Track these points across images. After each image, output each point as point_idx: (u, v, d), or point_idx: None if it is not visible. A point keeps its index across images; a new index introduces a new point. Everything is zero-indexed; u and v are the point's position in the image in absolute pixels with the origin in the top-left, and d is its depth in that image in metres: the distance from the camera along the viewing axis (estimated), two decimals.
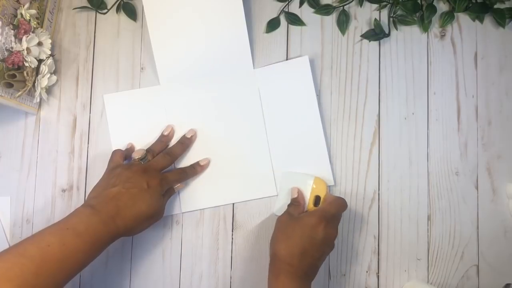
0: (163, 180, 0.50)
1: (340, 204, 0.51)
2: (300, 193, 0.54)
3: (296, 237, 0.48)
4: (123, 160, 0.53)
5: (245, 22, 0.55)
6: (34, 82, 0.54)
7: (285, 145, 0.57)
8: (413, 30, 0.60)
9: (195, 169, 0.55)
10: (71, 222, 0.43)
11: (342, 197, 0.52)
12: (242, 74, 0.58)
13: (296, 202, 0.54)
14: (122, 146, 0.57)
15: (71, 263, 0.42)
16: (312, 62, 0.59)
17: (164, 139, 0.56)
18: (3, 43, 0.49)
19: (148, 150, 0.53)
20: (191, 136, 0.56)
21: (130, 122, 0.57)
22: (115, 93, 0.58)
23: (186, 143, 0.56)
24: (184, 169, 0.54)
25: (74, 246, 0.42)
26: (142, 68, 0.59)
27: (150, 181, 0.48)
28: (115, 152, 0.53)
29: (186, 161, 0.57)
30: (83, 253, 0.43)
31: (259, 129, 0.57)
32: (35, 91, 0.54)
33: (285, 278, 0.46)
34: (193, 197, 0.56)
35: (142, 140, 0.57)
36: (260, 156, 0.56)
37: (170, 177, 0.51)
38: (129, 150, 0.55)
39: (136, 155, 0.51)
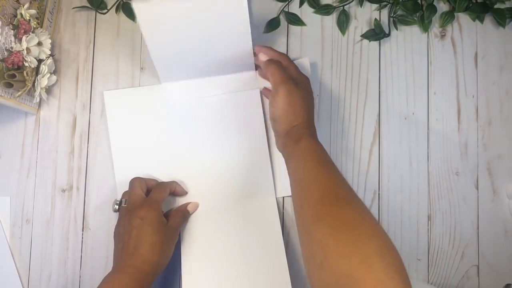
0: (150, 204, 0.49)
1: (286, 60, 0.52)
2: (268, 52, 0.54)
3: (304, 102, 0.49)
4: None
5: (249, 24, 0.53)
6: (34, 82, 0.54)
7: None
8: (413, 30, 0.60)
9: (174, 184, 0.54)
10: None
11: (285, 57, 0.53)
12: (243, 75, 0.58)
13: (275, 64, 0.51)
14: (121, 144, 0.56)
15: None
16: (312, 62, 0.59)
17: None
18: (3, 43, 0.49)
19: (123, 194, 0.52)
20: (183, 191, 0.55)
21: (130, 119, 0.57)
22: (116, 90, 0.58)
23: (173, 187, 0.54)
24: (161, 183, 0.53)
25: None
26: (142, 68, 0.59)
27: (140, 214, 0.47)
28: (112, 205, 0.53)
29: (185, 161, 0.56)
30: None
31: (259, 131, 0.57)
32: (35, 91, 0.54)
33: (307, 141, 0.46)
34: (192, 199, 0.56)
35: (140, 138, 0.57)
36: (260, 158, 0.56)
37: (154, 196, 0.50)
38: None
39: (113, 208, 0.51)
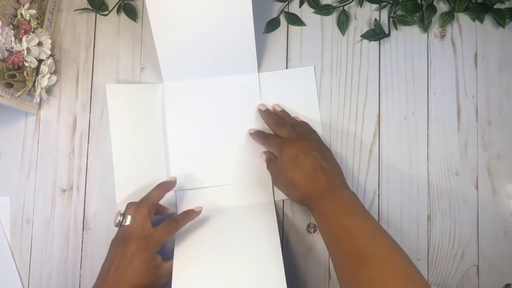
0: (148, 242, 0.47)
1: (284, 128, 0.53)
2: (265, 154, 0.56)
3: (294, 175, 0.49)
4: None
5: (252, 25, 0.54)
6: (34, 82, 0.54)
7: None
8: (413, 30, 0.60)
9: (187, 215, 0.51)
10: None
11: (279, 125, 0.54)
12: (246, 78, 0.58)
13: (269, 156, 0.54)
14: (122, 139, 0.56)
15: None
16: (312, 63, 0.59)
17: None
18: (3, 43, 0.49)
19: (128, 206, 0.50)
20: (171, 181, 0.54)
21: (131, 114, 0.57)
22: (118, 84, 0.58)
23: (165, 186, 0.53)
24: (174, 219, 0.50)
25: None
26: (142, 68, 0.59)
27: (132, 250, 0.46)
28: (115, 215, 0.50)
29: (184, 160, 0.56)
30: None
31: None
32: (35, 91, 0.54)
33: (316, 204, 0.46)
34: (192, 199, 0.56)
35: (140, 137, 0.57)
36: (260, 161, 0.56)
37: (157, 234, 0.47)
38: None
39: (115, 220, 0.49)
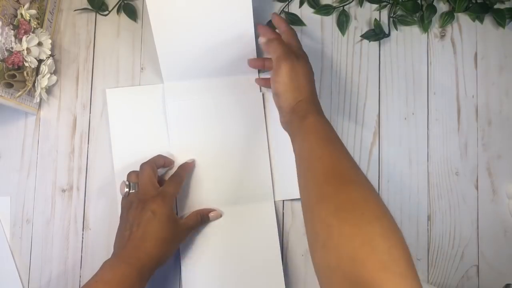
0: (164, 198, 0.49)
1: (290, 34, 0.51)
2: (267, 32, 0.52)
3: (307, 77, 0.48)
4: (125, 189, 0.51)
5: (253, 26, 0.53)
6: (34, 82, 0.54)
7: (286, 151, 0.57)
8: (413, 30, 0.60)
9: (185, 167, 0.54)
10: (98, 275, 0.45)
11: (292, 31, 0.52)
12: (246, 78, 0.58)
13: (277, 40, 0.50)
14: (122, 142, 0.56)
15: None
16: (312, 63, 0.59)
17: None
18: (3, 43, 0.49)
19: (130, 174, 0.52)
20: (191, 162, 0.55)
21: (131, 118, 0.57)
22: (118, 88, 0.58)
23: (167, 159, 0.55)
24: (175, 173, 0.53)
25: None
26: (142, 68, 0.59)
27: (152, 207, 0.48)
28: (121, 186, 0.52)
29: (183, 155, 0.56)
30: None
31: (260, 133, 0.57)
32: (35, 91, 0.54)
33: (313, 117, 0.45)
34: (192, 200, 0.56)
35: (141, 137, 0.57)
36: (260, 162, 0.56)
37: (167, 189, 0.50)
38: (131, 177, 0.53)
39: (122, 191, 0.51)
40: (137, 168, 0.52)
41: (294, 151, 0.45)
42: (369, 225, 0.34)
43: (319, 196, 0.38)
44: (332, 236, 0.35)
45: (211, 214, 0.54)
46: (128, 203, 0.50)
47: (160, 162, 0.53)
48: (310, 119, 0.44)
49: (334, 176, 0.39)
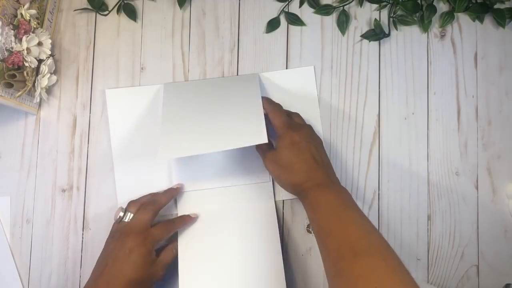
0: (146, 238, 0.48)
1: (278, 112, 0.51)
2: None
3: (290, 160, 0.48)
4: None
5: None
6: (34, 82, 0.54)
7: None
8: (413, 30, 0.60)
9: (184, 219, 0.53)
10: None
11: (272, 108, 0.52)
12: (246, 77, 0.58)
13: (259, 144, 0.52)
14: (122, 142, 0.56)
15: None
16: (312, 63, 0.59)
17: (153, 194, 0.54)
18: (3, 43, 0.49)
19: (130, 204, 0.51)
20: (177, 188, 0.55)
21: (131, 118, 0.57)
22: (117, 88, 0.58)
23: (171, 192, 0.54)
24: (171, 220, 0.52)
25: None
26: (142, 68, 0.59)
27: (130, 244, 0.47)
28: (116, 211, 0.52)
29: (185, 161, 0.56)
30: None
31: (259, 133, 0.56)
32: (35, 91, 0.54)
33: (311, 193, 0.45)
34: (191, 200, 0.56)
35: (141, 137, 0.57)
36: (260, 161, 0.56)
37: (154, 232, 0.49)
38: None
39: (115, 216, 0.51)
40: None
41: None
42: None
43: (334, 272, 0.40)
44: None
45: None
46: (116, 231, 0.49)
47: (163, 202, 0.53)
48: (310, 195, 0.45)
49: (345, 251, 0.40)
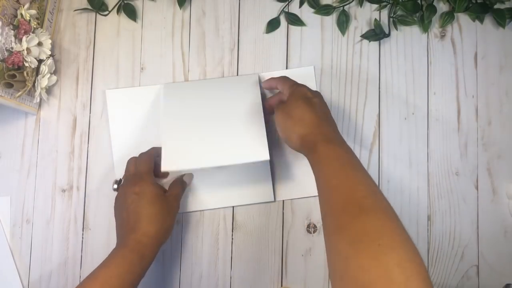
0: (141, 178, 0.50)
1: (291, 79, 0.53)
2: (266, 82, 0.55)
3: (303, 110, 0.47)
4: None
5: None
6: (34, 82, 0.54)
7: (284, 153, 0.57)
8: (413, 30, 0.60)
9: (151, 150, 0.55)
10: (102, 263, 0.46)
11: (284, 77, 0.53)
12: (246, 78, 0.58)
13: (269, 98, 0.54)
14: (122, 142, 0.57)
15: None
16: (312, 63, 0.59)
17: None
18: (3, 43, 0.49)
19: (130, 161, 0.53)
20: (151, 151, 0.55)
21: (131, 119, 0.57)
22: (118, 89, 0.58)
23: (150, 152, 0.55)
24: (142, 153, 0.54)
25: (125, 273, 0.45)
26: (142, 68, 0.59)
27: (134, 189, 0.49)
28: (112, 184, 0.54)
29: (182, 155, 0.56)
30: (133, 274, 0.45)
31: (259, 127, 0.56)
32: (35, 91, 0.54)
33: (322, 147, 0.44)
34: (191, 199, 0.56)
35: (140, 137, 0.57)
36: (260, 162, 0.56)
37: (140, 169, 0.51)
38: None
39: (112, 188, 0.53)
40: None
41: (314, 178, 0.45)
42: (386, 256, 0.34)
43: (336, 226, 0.38)
44: (349, 268, 0.35)
45: (185, 178, 0.55)
46: (116, 197, 0.51)
47: (147, 162, 0.53)
48: (320, 149, 0.44)
49: (350, 206, 0.39)
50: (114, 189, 0.53)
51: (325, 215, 0.41)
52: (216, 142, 0.52)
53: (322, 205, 0.42)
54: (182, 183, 0.54)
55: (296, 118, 0.47)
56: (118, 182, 0.53)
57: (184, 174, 0.55)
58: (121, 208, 0.49)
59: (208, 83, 0.58)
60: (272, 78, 0.55)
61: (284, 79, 0.53)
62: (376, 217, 0.37)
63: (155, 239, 0.47)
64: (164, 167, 0.49)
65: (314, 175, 0.45)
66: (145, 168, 0.51)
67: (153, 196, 0.48)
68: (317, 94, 0.50)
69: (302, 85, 0.51)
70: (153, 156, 0.53)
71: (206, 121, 0.53)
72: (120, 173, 0.56)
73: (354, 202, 0.39)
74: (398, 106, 0.59)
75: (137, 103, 0.57)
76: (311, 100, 0.48)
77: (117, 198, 0.51)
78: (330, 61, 0.59)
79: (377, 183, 0.57)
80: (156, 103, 0.57)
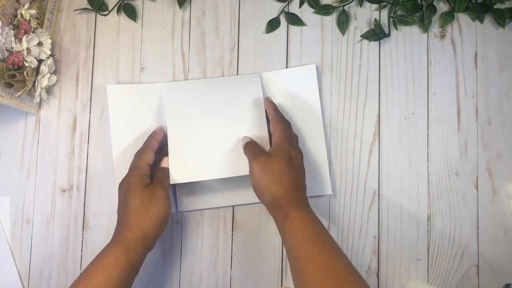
0: (133, 171, 0.50)
1: (285, 125, 0.52)
2: (246, 137, 0.54)
3: (283, 170, 0.47)
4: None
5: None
6: (34, 82, 0.54)
7: None
8: (413, 30, 0.60)
9: (155, 136, 0.54)
10: (100, 259, 0.46)
11: (279, 119, 0.53)
12: (248, 77, 0.58)
13: (250, 143, 0.53)
14: (122, 140, 0.56)
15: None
16: (312, 63, 0.59)
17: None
18: (3, 43, 0.49)
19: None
20: (158, 130, 0.55)
21: (131, 115, 0.57)
22: (118, 84, 0.58)
23: (154, 136, 0.54)
24: (144, 144, 0.53)
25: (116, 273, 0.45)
26: (142, 68, 0.59)
27: (122, 185, 0.49)
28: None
29: (184, 159, 0.56)
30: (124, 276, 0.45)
31: (262, 129, 0.56)
32: (35, 91, 0.54)
33: (295, 214, 0.45)
34: (191, 198, 0.56)
35: (141, 136, 0.56)
36: None
37: (134, 163, 0.51)
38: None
39: None
40: None
41: (284, 247, 0.46)
42: None
43: None
44: None
45: (162, 163, 0.53)
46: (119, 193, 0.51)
47: (155, 146, 0.53)
48: (294, 215, 0.45)
49: (331, 279, 0.39)
50: None
51: (302, 285, 0.41)
52: (222, 151, 0.54)
53: (297, 275, 0.42)
54: (163, 170, 0.53)
55: (275, 176, 0.47)
56: None
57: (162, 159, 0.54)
58: (118, 206, 0.50)
59: (208, 83, 0.58)
60: (272, 107, 0.54)
61: (280, 122, 0.52)
62: (317, 264, 0.40)
63: (138, 231, 0.46)
64: (172, 181, 0.51)
65: (285, 241, 0.45)
66: (139, 163, 0.50)
67: (134, 189, 0.48)
68: (299, 155, 0.50)
69: (290, 139, 0.50)
70: (150, 148, 0.52)
71: (210, 126, 0.55)
72: (120, 173, 0.56)
73: (332, 275, 0.40)
74: (398, 106, 0.59)
75: (137, 100, 0.57)
76: (293, 161, 0.48)
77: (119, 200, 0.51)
78: (330, 61, 0.59)
79: (377, 183, 0.58)
80: (157, 101, 0.57)
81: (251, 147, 0.51)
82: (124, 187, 0.49)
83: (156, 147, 0.53)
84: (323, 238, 0.43)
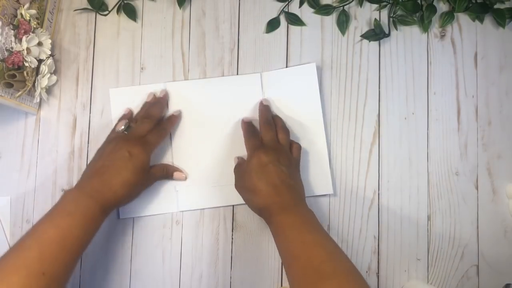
0: (144, 144, 0.50)
1: (268, 131, 0.53)
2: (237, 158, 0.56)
3: (254, 183, 0.48)
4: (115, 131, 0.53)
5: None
6: (34, 82, 0.54)
7: None
8: (413, 30, 0.60)
9: (171, 121, 0.55)
10: (60, 205, 0.45)
11: (266, 124, 0.54)
12: (248, 77, 0.58)
13: (239, 161, 0.54)
14: None
15: (70, 243, 0.43)
16: (312, 63, 0.59)
17: (147, 105, 0.56)
18: (3, 43, 0.49)
19: (131, 119, 0.54)
20: (164, 95, 0.56)
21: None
22: (121, 88, 0.58)
23: (161, 102, 0.56)
24: (161, 126, 0.54)
25: (68, 226, 0.43)
26: (142, 68, 0.59)
27: (131, 149, 0.48)
28: (120, 121, 0.54)
29: (184, 153, 0.57)
30: (79, 229, 0.44)
31: None
32: (35, 91, 0.54)
33: (276, 217, 0.46)
34: (191, 197, 0.56)
35: None
36: None
37: (151, 139, 0.51)
38: (126, 116, 0.55)
39: (118, 127, 0.52)
40: None
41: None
42: None
43: None
44: None
45: (175, 174, 0.55)
46: (112, 138, 0.51)
47: (157, 114, 0.54)
48: (276, 219, 0.46)
49: (309, 274, 0.40)
50: (116, 130, 0.52)
51: (290, 283, 0.42)
52: (222, 152, 0.56)
53: (286, 274, 0.44)
54: (168, 171, 0.55)
55: (251, 191, 0.49)
56: (127, 124, 0.52)
57: (173, 167, 0.56)
58: (107, 152, 0.49)
59: (209, 83, 0.58)
60: (263, 112, 0.55)
61: (249, 138, 0.53)
62: (335, 283, 0.39)
63: (119, 202, 0.48)
64: (180, 208, 0.56)
65: (276, 245, 0.46)
66: (155, 141, 0.51)
67: (141, 167, 0.49)
68: (274, 156, 0.49)
69: (260, 147, 0.50)
70: (167, 134, 0.54)
71: (210, 126, 0.56)
72: None
73: (312, 270, 0.40)
74: (398, 106, 0.59)
75: (140, 102, 0.57)
76: (265, 168, 0.48)
77: (114, 139, 0.51)
78: (330, 61, 0.59)
79: (377, 183, 0.57)
80: None
81: (236, 169, 0.54)
82: (132, 153, 0.48)
83: (169, 132, 0.55)
84: (304, 234, 0.44)
